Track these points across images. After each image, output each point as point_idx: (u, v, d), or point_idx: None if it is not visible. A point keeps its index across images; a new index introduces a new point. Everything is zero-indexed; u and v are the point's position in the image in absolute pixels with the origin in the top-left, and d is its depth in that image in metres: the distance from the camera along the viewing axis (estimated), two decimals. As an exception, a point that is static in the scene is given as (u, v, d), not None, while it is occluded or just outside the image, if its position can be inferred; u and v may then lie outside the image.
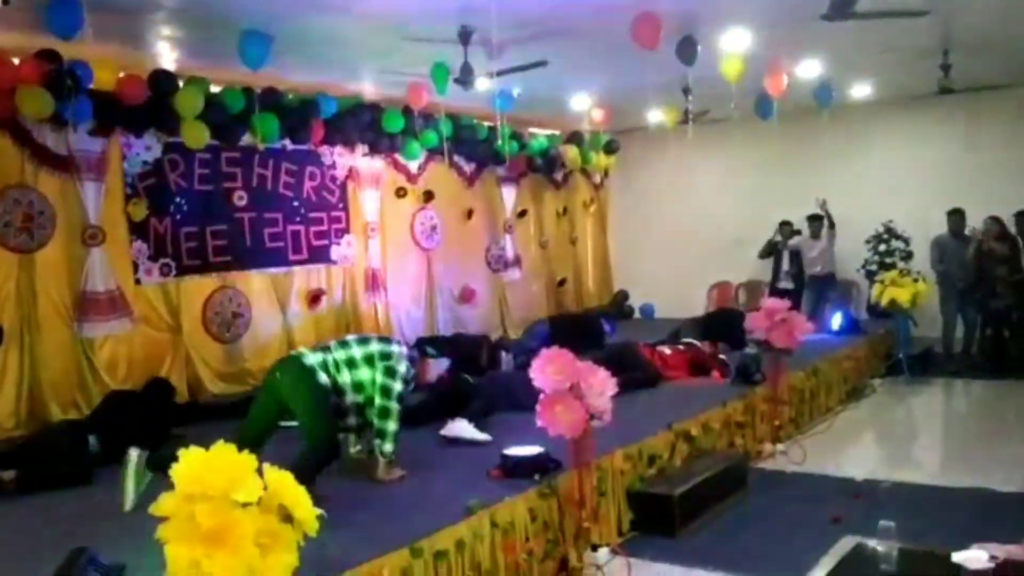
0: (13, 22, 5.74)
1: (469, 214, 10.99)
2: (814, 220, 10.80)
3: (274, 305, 8.50)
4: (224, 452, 2.50)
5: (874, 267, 11.13)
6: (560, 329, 8.81)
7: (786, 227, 11.19)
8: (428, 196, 10.24)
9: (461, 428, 5.58)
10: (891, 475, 6.05)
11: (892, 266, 10.71)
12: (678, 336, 8.75)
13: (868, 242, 11.32)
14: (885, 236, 11.23)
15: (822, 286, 10.93)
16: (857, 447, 7.48)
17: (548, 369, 4.21)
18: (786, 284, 11.01)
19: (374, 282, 9.53)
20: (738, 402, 6.68)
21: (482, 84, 7.45)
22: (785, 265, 11.18)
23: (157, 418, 5.98)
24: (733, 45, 7.35)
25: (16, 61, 6.21)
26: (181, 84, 7.27)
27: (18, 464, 5.07)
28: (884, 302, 9.57)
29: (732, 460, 5.99)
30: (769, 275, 11.42)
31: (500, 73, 6.81)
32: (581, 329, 9.29)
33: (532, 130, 12.00)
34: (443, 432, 5.61)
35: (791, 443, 6.87)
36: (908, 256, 11.01)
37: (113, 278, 7.10)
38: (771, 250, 11.28)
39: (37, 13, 5.40)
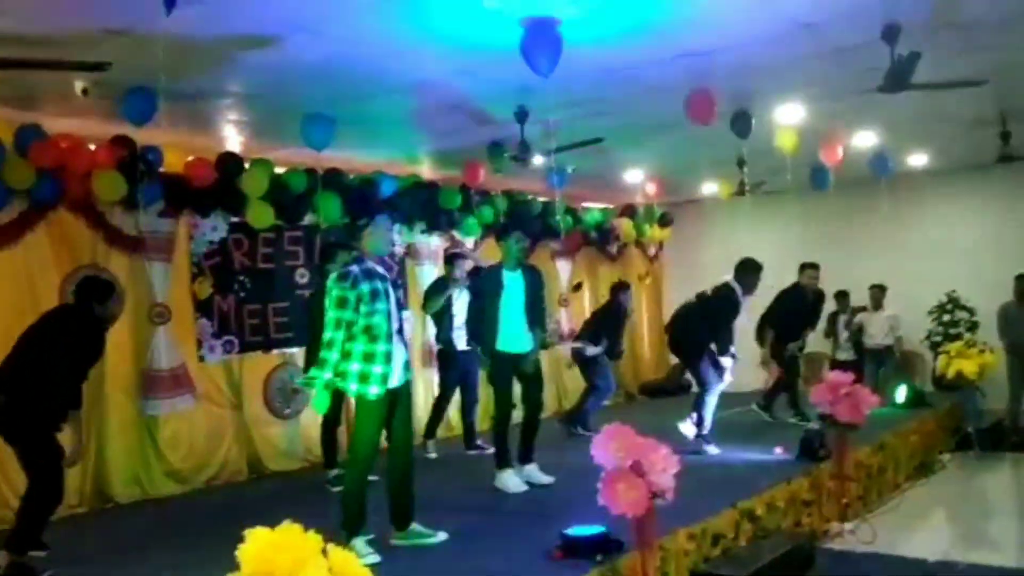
0: (91, 111, 6.03)
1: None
2: (875, 288, 10.66)
3: (333, 381, 8.56)
4: (290, 532, 2.52)
5: (939, 338, 10.87)
6: None
7: (842, 298, 11.05)
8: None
9: (529, 474, 6.32)
10: (966, 556, 5.80)
11: (957, 337, 10.46)
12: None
13: (931, 313, 11.10)
14: (949, 307, 11.01)
15: (880, 358, 10.71)
16: (929, 526, 7.21)
17: (610, 445, 4.15)
18: (846, 355, 10.82)
19: (432, 357, 9.56)
20: (803, 479, 6.50)
21: (537, 161, 7.58)
22: (843, 335, 11.00)
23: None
24: (787, 118, 7.39)
25: (92, 147, 6.49)
26: (247, 166, 7.51)
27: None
28: (950, 374, 9.32)
29: (799, 540, 5.80)
30: (827, 346, 11.25)
31: (558, 151, 6.92)
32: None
33: (585, 204, 12.09)
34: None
35: (860, 522, 6.64)
36: (973, 326, 10.75)
37: (178, 355, 7.25)
38: (833, 324, 11.13)
39: (113, 102, 5.67)
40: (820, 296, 9.37)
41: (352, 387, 4.77)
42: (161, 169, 6.92)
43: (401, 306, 5.14)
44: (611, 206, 12.58)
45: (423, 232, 9.54)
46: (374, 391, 4.75)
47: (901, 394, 9.82)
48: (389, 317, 4.84)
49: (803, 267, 9.17)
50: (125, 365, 6.98)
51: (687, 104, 6.41)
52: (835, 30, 5.42)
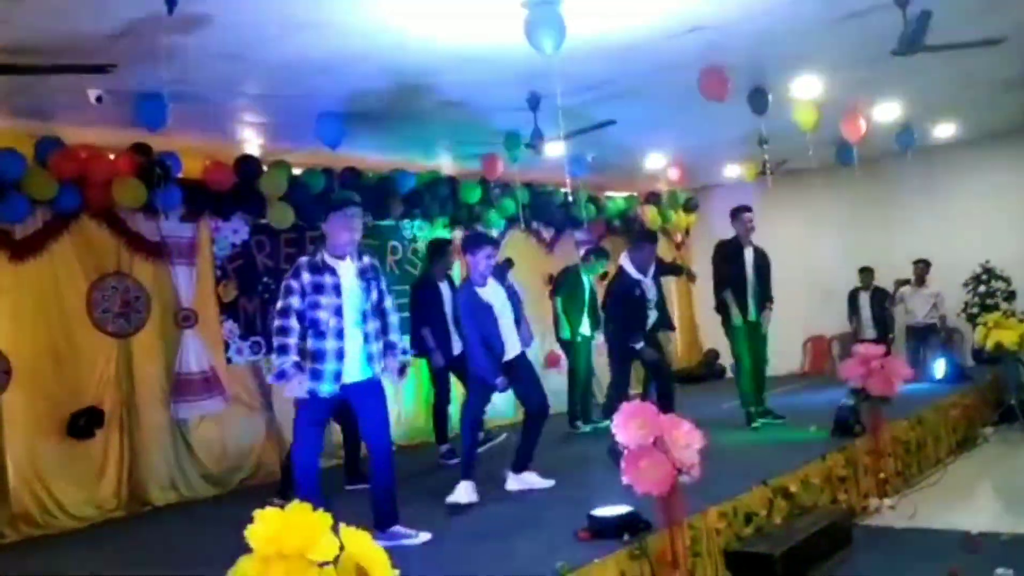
0: (108, 120, 6.10)
1: (550, 279, 10.98)
2: (919, 263, 10.50)
3: (361, 379, 8.57)
4: (300, 512, 2.50)
5: (975, 310, 10.66)
6: None
7: (865, 274, 10.89)
8: (508, 263, 10.29)
9: (527, 480, 5.94)
10: (1011, 528, 5.66)
11: (994, 308, 10.24)
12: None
13: (966, 285, 10.89)
14: (984, 277, 10.79)
15: (922, 336, 10.51)
16: (971, 499, 7.05)
17: (631, 423, 4.10)
18: (870, 333, 10.65)
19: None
20: (838, 455, 6.39)
21: (553, 149, 7.53)
22: (867, 312, 10.83)
23: None
24: (804, 92, 7.28)
25: (111, 156, 6.57)
26: (265, 168, 7.55)
27: None
28: (989, 346, 9.11)
29: (835, 516, 5.71)
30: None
31: (570, 135, 6.87)
32: None
33: (609, 193, 12.02)
34: (508, 487, 5.91)
35: (899, 497, 6.53)
36: (1011, 296, 10.53)
37: (206, 358, 7.29)
38: (853, 301, 10.97)
39: (127, 109, 5.72)
40: (764, 256, 8.07)
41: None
42: (180, 175, 6.98)
43: (380, 298, 4.78)
44: (635, 194, 12.49)
45: (444, 227, 9.53)
46: (325, 388, 4.56)
47: (939, 369, 9.65)
48: (339, 312, 4.58)
49: (735, 212, 7.88)
50: (155, 369, 7.05)
51: (700, 82, 6.33)
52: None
